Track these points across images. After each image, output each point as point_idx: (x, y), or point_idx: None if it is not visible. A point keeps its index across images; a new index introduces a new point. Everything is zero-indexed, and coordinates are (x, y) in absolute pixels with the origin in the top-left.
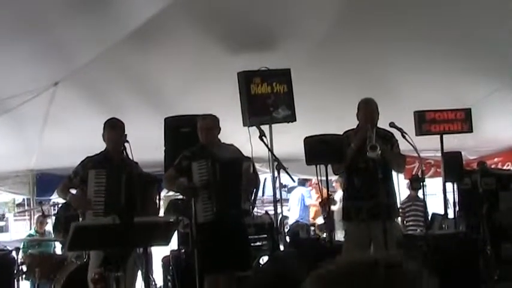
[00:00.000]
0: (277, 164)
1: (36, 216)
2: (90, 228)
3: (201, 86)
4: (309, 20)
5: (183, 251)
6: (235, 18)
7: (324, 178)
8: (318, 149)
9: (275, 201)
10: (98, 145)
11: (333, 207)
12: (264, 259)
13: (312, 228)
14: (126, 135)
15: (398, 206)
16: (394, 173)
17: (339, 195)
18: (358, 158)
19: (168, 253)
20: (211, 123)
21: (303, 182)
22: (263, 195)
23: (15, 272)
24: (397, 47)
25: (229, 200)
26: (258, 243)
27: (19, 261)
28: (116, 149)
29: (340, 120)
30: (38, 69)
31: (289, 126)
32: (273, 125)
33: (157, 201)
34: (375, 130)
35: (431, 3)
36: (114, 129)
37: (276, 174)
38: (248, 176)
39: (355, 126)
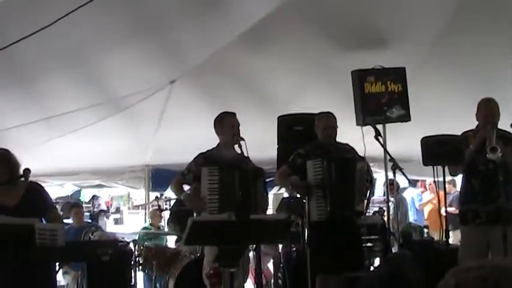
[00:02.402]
0: (393, 165)
1: (151, 210)
2: (207, 223)
3: (313, 85)
4: (424, 19)
5: (294, 249)
6: (348, 18)
7: (440, 179)
8: (436, 150)
9: (388, 202)
10: (210, 143)
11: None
12: (376, 260)
13: (426, 230)
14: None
15: None
16: None
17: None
18: (477, 159)
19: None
20: (335, 121)
21: (414, 184)
22: (373, 195)
23: (132, 263)
24: None
25: (343, 200)
26: (369, 244)
27: (136, 252)
28: (232, 141)
29: (456, 121)
30: (155, 69)
31: (402, 126)
32: (386, 125)
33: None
34: (495, 131)
35: None
36: (233, 116)
37: (390, 174)
38: (362, 176)
39: (472, 127)
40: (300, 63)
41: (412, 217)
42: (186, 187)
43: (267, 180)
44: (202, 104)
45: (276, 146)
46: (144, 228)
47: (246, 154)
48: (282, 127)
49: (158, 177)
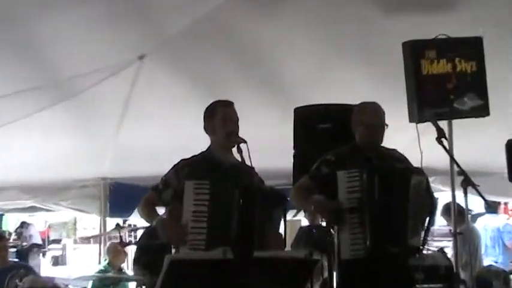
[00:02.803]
0: (464, 180)
1: (110, 244)
2: (191, 263)
3: (345, 63)
4: None
5: None
6: None
7: None
8: None
9: (455, 235)
10: (197, 145)
11: None
12: None
13: None
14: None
15: None
16: None
17: None
18: None
19: None
20: (383, 117)
21: (493, 208)
22: (433, 224)
23: None
24: None
25: (390, 230)
26: None
27: None
28: (228, 143)
29: None
30: (117, 39)
31: (477, 123)
32: (453, 121)
33: (284, 228)
34: None
35: None
36: (229, 107)
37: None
38: (419, 196)
39: None
40: (326, 32)
41: (491, 256)
42: (162, 210)
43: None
44: (184, 90)
45: (292, 151)
46: (100, 271)
47: (248, 162)
48: (300, 123)
49: (120, 196)
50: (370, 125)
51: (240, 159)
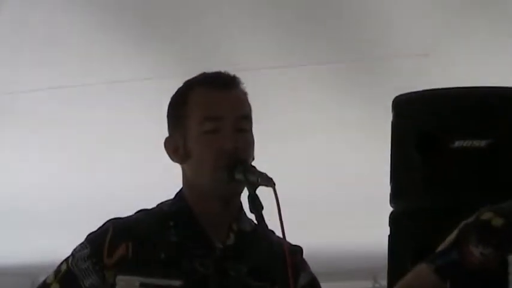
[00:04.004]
0: None
1: None
2: None
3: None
4: None
5: None
6: None
7: None
8: None
9: None
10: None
11: None
12: None
13: None
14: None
15: None
16: None
17: None
18: None
19: None
20: None
21: None
22: None
23: None
24: None
25: None
26: None
27: None
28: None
29: None
30: None
31: None
32: None
33: None
34: None
35: None
36: (228, 90)
37: None
38: None
39: None
40: None
41: None
42: None
43: None
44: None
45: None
46: None
47: (283, 235)
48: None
49: None
50: None
51: (258, 223)
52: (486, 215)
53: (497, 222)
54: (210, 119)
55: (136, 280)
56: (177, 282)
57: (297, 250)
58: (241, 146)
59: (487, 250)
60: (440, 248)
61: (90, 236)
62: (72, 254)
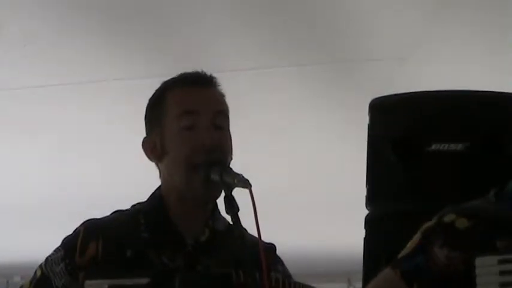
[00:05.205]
0: None
1: None
2: None
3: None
4: None
5: None
6: None
7: None
8: None
9: None
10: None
11: None
12: None
13: None
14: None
15: None
16: None
17: None
18: None
19: None
20: None
21: None
22: None
23: None
24: None
25: None
26: None
27: None
28: (204, 188)
29: None
30: None
31: None
32: None
33: None
34: None
35: None
36: (205, 88)
37: None
38: None
39: None
40: None
41: None
42: None
43: None
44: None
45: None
46: None
47: (259, 237)
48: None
49: None
50: None
51: (233, 223)
52: (449, 217)
53: (461, 224)
54: (186, 113)
55: (105, 283)
56: (144, 280)
57: (271, 247)
58: (218, 143)
59: (452, 253)
60: (403, 252)
61: (64, 240)
62: (46, 259)
